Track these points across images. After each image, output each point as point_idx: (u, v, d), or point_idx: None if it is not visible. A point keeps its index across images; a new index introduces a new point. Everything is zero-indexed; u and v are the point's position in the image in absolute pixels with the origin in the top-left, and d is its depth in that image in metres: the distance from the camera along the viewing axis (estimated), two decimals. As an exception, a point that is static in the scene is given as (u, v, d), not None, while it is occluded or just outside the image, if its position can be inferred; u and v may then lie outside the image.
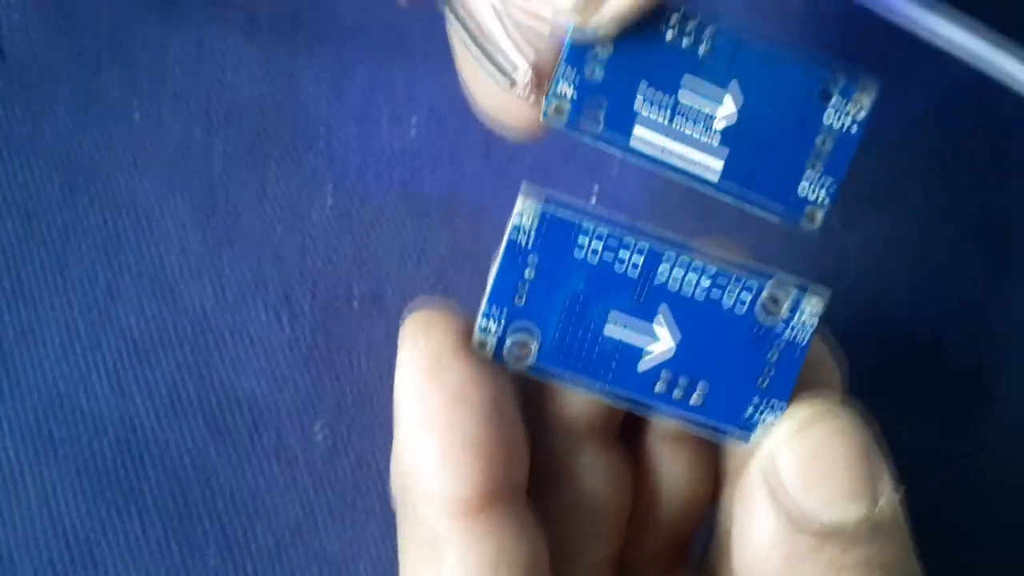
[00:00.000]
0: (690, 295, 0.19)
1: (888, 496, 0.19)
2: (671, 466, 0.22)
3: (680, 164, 0.20)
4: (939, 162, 0.33)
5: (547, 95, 0.20)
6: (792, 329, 0.19)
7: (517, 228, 0.19)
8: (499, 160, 0.32)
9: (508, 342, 0.19)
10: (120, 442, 0.29)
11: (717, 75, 0.19)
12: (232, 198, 0.31)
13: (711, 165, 0.20)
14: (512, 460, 0.19)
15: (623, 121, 0.20)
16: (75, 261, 0.30)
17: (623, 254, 0.19)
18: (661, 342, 0.19)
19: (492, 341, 0.19)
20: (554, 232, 0.19)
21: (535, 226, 0.19)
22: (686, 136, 0.20)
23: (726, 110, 0.19)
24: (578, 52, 0.19)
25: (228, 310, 0.31)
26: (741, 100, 0.19)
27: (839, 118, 0.20)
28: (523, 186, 0.19)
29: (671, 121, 0.20)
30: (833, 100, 0.19)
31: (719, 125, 0.20)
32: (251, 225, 0.31)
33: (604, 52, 0.19)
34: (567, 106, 0.20)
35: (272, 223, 0.31)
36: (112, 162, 0.31)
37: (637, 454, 0.23)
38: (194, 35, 0.33)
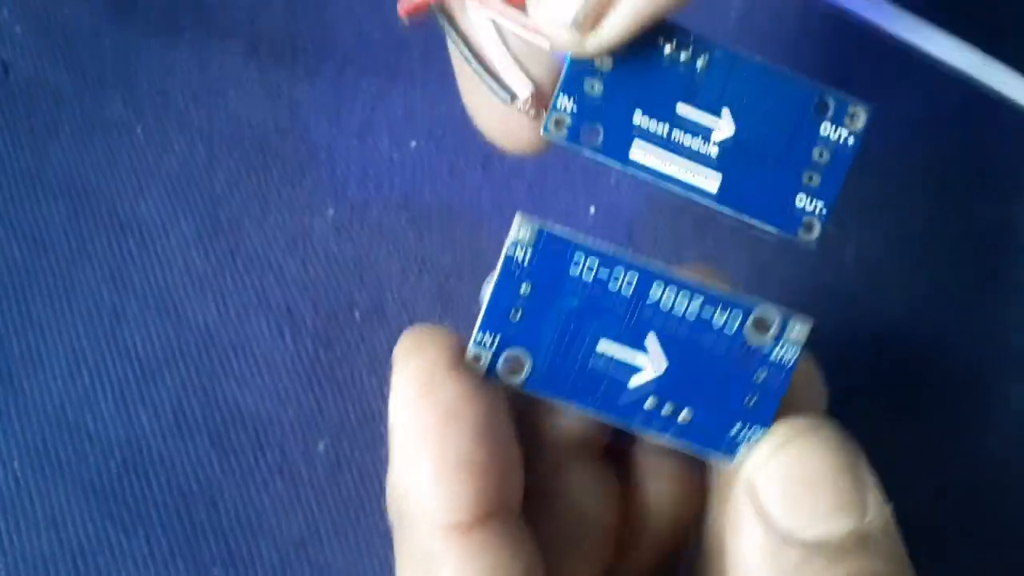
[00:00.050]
0: (680, 316, 0.19)
1: (877, 509, 0.18)
2: (658, 483, 0.22)
3: (679, 177, 0.20)
4: (934, 172, 0.34)
5: (548, 110, 0.20)
6: (778, 352, 0.19)
7: (515, 244, 0.19)
8: (498, 172, 0.33)
9: (502, 357, 0.19)
10: (126, 463, 0.29)
11: (715, 89, 0.20)
12: (234, 216, 0.32)
13: (709, 178, 0.20)
14: (506, 477, 0.19)
15: (622, 135, 0.20)
16: (81, 285, 0.31)
17: (617, 273, 0.19)
18: (650, 365, 0.19)
19: (487, 356, 0.19)
20: (551, 250, 0.19)
21: (532, 243, 0.19)
22: (684, 149, 0.20)
23: (723, 123, 0.20)
24: (578, 67, 0.20)
25: (231, 326, 0.31)
26: (738, 113, 0.20)
27: (836, 130, 0.20)
28: (518, 214, 0.19)
29: (670, 135, 0.20)
30: (829, 113, 0.20)
31: (717, 138, 0.20)
32: (253, 241, 0.32)
33: (604, 67, 0.20)
34: (567, 120, 0.20)
35: (274, 238, 0.32)
36: (116, 186, 0.32)
37: (625, 471, 0.23)
38: (195, 59, 0.33)
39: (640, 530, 0.22)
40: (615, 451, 0.23)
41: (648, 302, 0.19)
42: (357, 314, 0.31)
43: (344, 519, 0.30)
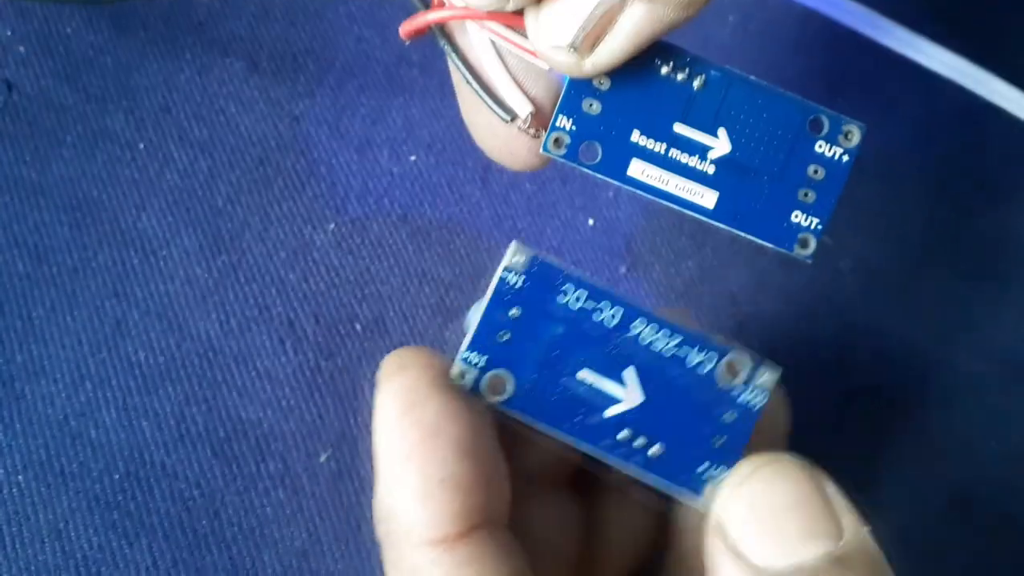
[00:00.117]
0: (658, 352, 0.20)
1: (853, 531, 0.19)
2: (621, 514, 0.23)
3: (676, 194, 0.20)
4: (932, 176, 0.34)
5: (547, 128, 0.20)
6: (746, 396, 0.20)
7: (509, 269, 0.20)
8: (497, 186, 0.33)
9: (487, 375, 0.20)
10: (130, 474, 0.30)
11: (711, 108, 0.20)
12: (236, 229, 0.32)
13: (706, 195, 0.20)
14: (490, 491, 0.19)
15: (621, 153, 0.20)
16: (84, 299, 0.31)
17: (603, 304, 0.20)
18: (627, 397, 0.20)
19: (472, 374, 0.20)
20: (542, 276, 0.20)
21: (525, 268, 0.20)
22: (682, 166, 0.20)
23: (720, 141, 0.20)
24: (577, 87, 0.20)
25: (233, 338, 0.31)
26: (735, 132, 0.20)
27: (830, 148, 0.20)
28: (514, 242, 0.20)
29: (667, 153, 0.20)
30: (824, 131, 0.20)
31: (714, 155, 0.20)
32: (255, 254, 0.32)
33: (602, 87, 0.20)
34: (567, 139, 0.20)
35: (275, 251, 0.32)
36: (119, 200, 0.32)
37: (589, 501, 0.23)
38: (197, 75, 0.33)
39: (601, 561, 0.23)
40: (580, 483, 0.23)
41: (629, 335, 0.20)
42: (358, 326, 0.32)
43: (345, 529, 0.30)
